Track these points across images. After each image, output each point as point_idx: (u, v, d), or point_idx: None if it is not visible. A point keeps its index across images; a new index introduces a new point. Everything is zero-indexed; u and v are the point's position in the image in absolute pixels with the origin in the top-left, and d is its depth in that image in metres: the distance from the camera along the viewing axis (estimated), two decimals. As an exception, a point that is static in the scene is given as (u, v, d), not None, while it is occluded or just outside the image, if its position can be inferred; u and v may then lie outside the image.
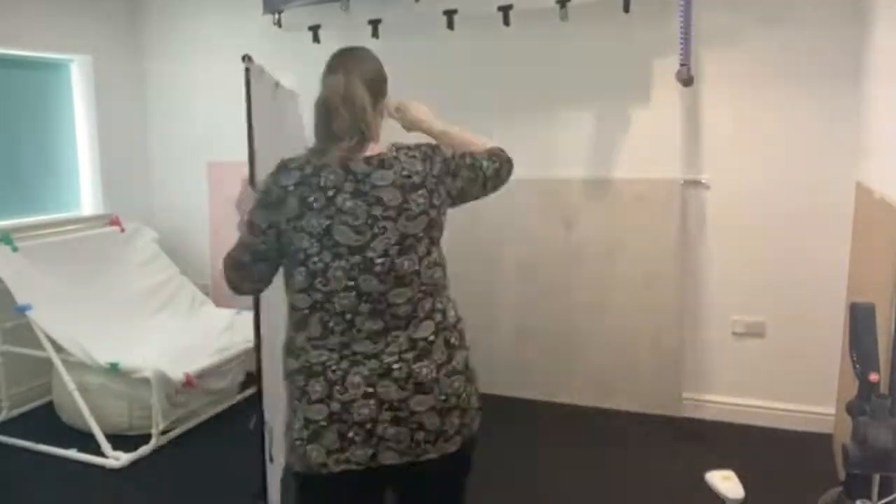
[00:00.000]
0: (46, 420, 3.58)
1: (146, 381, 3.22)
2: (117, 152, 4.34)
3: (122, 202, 4.31)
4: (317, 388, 1.55)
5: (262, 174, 1.71)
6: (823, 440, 3.15)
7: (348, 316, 1.55)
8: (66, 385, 3.28)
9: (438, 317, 1.61)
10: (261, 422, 1.90)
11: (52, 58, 4.06)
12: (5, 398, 3.65)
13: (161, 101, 4.49)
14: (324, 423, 1.55)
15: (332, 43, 4.01)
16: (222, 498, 2.83)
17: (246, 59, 2.28)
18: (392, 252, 1.55)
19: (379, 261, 1.55)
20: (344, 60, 1.64)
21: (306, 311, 1.57)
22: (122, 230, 4.11)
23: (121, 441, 3.22)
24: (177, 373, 3.30)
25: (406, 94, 1.86)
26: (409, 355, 1.57)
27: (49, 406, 3.65)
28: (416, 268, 1.58)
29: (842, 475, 2.08)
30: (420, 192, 1.59)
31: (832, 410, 3.13)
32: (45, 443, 3.29)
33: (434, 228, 1.62)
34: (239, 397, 3.73)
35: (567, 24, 3.41)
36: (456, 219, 1.75)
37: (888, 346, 2.10)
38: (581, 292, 3.61)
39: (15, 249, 3.49)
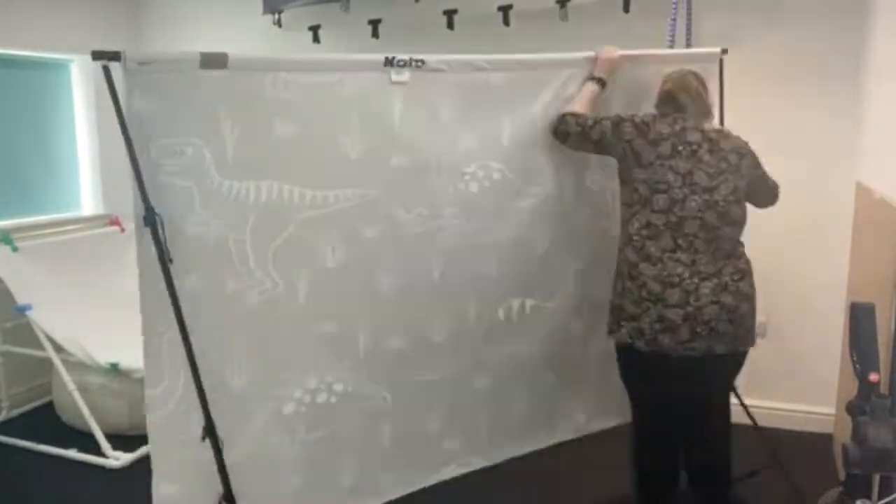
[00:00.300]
0: (46, 420, 3.58)
1: (146, 381, 3.22)
2: (117, 152, 4.27)
3: (122, 202, 4.27)
4: (675, 296, 2.16)
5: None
6: (823, 440, 3.15)
7: (691, 238, 2.18)
8: (66, 385, 3.27)
9: (745, 258, 2.28)
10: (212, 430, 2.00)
11: (52, 58, 4.06)
12: (5, 398, 3.65)
13: (161, 101, 4.49)
14: (679, 322, 2.15)
15: (331, 43, 4.03)
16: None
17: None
18: (730, 199, 2.20)
19: (721, 203, 2.19)
20: (676, 70, 2.39)
21: (661, 228, 2.20)
22: (122, 230, 4.11)
23: (121, 441, 3.21)
24: (177, 373, 3.30)
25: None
26: (737, 277, 2.21)
27: (49, 406, 3.65)
28: (739, 217, 2.24)
29: (842, 475, 2.08)
30: (745, 161, 2.28)
31: (832, 410, 3.12)
32: (45, 443, 3.29)
33: (747, 192, 2.29)
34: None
35: (567, 24, 3.41)
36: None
37: (888, 346, 2.10)
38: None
39: (15, 249, 3.48)
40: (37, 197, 4.03)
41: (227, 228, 1.99)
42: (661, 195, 2.19)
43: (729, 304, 2.17)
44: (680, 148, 2.21)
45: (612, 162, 2.39)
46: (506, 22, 3.49)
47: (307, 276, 2.13)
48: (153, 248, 1.88)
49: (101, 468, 3.10)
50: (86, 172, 4.27)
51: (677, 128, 2.24)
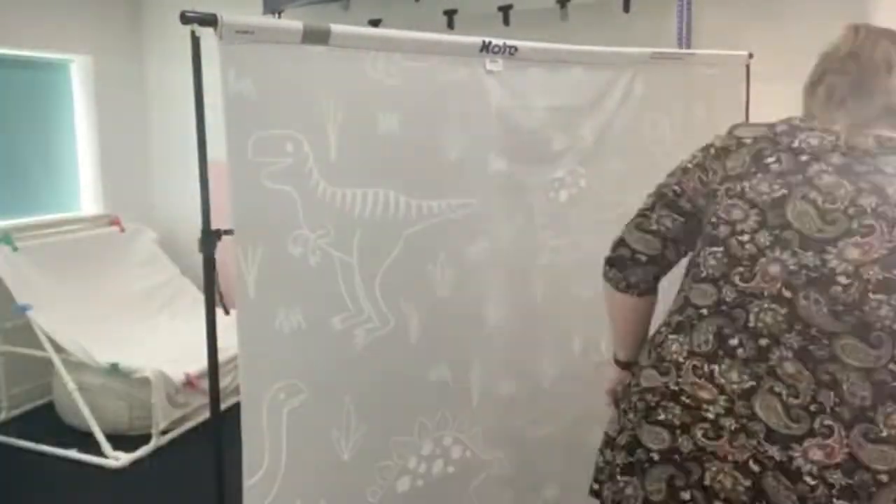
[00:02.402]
0: (46, 420, 3.57)
1: (146, 381, 3.22)
2: (117, 152, 4.34)
3: (122, 202, 4.30)
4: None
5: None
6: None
7: (763, 341, 1.13)
8: (66, 385, 3.27)
9: None
10: (219, 443, 1.77)
11: (52, 58, 4.05)
12: (5, 398, 3.64)
13: (161, 101, 4.49)
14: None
15: (332, 43, 4.02)
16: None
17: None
18: (868, 275, 1.09)
19: (843, 280, 1.11)
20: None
21: (703, 313, 1.21)
22: (122, 230, 4.10)
23: (121, 441, 3.21)
24: (177, 373, 3.30)
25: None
26: (838, 479, 1.08)
27: (49, 406, 3.64)
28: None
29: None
30: None
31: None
32: (45, 443, 3.28)
33: None
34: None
35: (567, 24, 3.41)
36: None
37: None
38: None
39: (15, 249, 3.48)
40: (37, 197, 4.03)
41: (332, 247, 1.66)
42: (715, 249, 1.21)
43: None
44: (770, 158, 1.29)
45: None
46: (506, 22, 3.49)
47: (418, 309, 1.82)
48: (260, 271, 1.54)
49: (101, 468, 3.10)
50: (86, 172, 4.26)
51: (782, 127, 1.40)
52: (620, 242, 1.41)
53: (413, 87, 1.79)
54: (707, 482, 1.12)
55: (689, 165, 1.33)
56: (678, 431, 1.15)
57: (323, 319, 1.68)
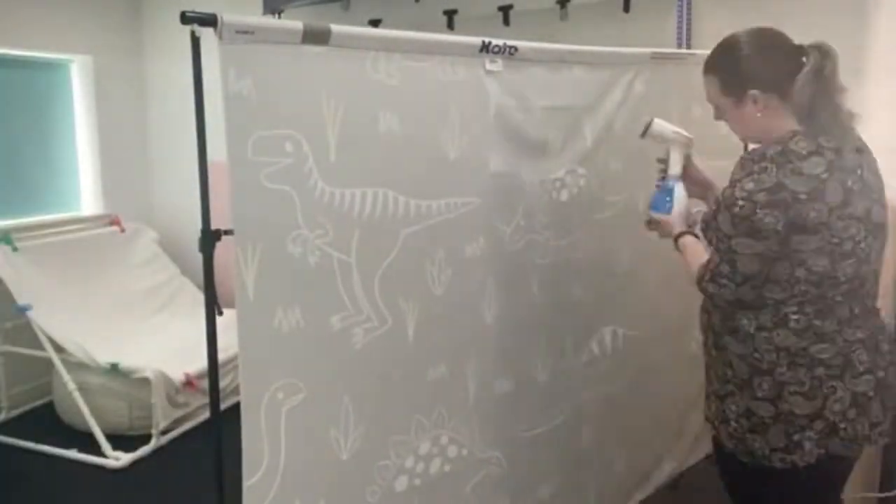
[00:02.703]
0: (46, 420, 3.57)
1: (146, 381, 3.22)
2: (117, 152, 4.34)
3: (122, 202, 4.30)
4: (862, 357, 1.58)
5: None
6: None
7: (868, 302, 1.62)
8: (66, 385, 3.27)
9: None
10: (219, 442, 1.75)
11: (52, 58, 4.06)
12: (5, 398, 3.64)
13: (161, 101, 4.49)
14: (871, 395, 1.58)
15: (332, 43, 4.02)
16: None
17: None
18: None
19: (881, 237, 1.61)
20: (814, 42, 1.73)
21: (839, 300, 1.57)
22: (122, 230, 4.11)
23: (121, 441, 3.22)
24: (177, 373, 3.30)
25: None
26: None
27: (49, 406, 3.64)
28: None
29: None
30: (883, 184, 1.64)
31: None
32: (45, 443, 3.29)
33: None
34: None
35: (567, 24, 3.41)
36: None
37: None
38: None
39: (15, 249, 3.48)
40: (37, 197, 4.03)
41: (331, 247, 1.67)
42: (848, 261, 1.54)
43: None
44: (850, 183, 1.53)
45: None
46: (506, 22, 3.49)
47: (416, 308, 1.83)
48: (259, 271, 1.55)
49: (101, 468, 3.10)
50: (86, 172, 4.26)
51: (830, 154, 1.54)
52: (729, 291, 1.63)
53: (413, 87, 1.79)
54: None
55: (783, 221, 1.52)
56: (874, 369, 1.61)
57: (322, 319, 1.68)
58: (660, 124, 1.96)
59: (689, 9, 3.06)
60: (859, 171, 1.55)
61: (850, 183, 1.52)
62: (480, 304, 2.00)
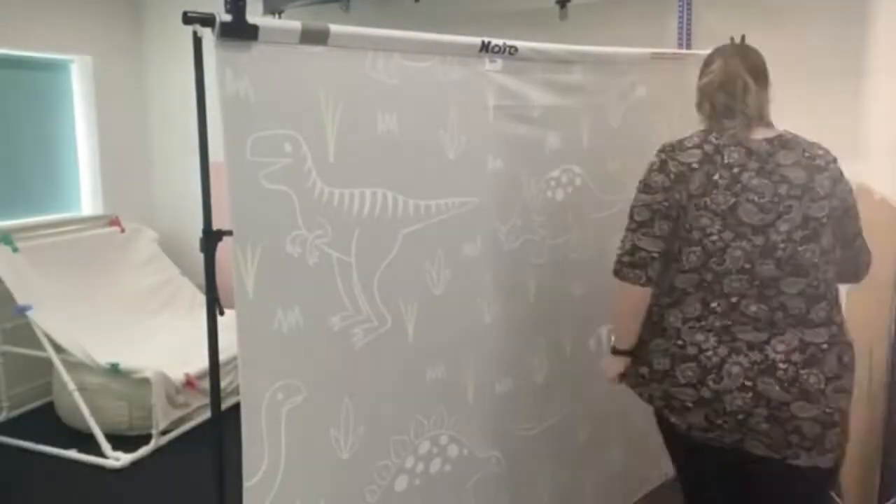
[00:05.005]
0: (46, 420, 3.57)
1: (146, 381, 3.22)
2: (117, 152, 4.34)
3: (122, 202, 4.30)
4: (688, 372, 1.63)
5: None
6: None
7: (734, 299, 1.60)
8: (66, 385, 3.27)
9: (834, 329, 1.61)
10: (219, 443, 1.77)
11: (52, 58, 4.05)
12: (5, 398, 3.64)
13: (161, 101, 4.49)
14: (689, 405, 1.64)
15: (332, 43, 4.02)
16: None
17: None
18: (796, 237, 1.57)
19: (781, 245, 1.57)
20: (722, 49, 1.79)
21: (689, 291, 1.64)
22: (122, 230, 4.11)
23: (121, 441, 3.22)
24: (177, 373, 3.30)
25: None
26: (798, 357, 1.57)
27: (49, 406, 3.64)
28: (816, 260, 1.59)
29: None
30: (825, 174, 1.62)
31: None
32: (45, 443, 3.28)
33: (835, 221, 1.63)
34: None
35: (567, 24, 3.41)
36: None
37: (890, 347, 2.10)
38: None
39: (15, 250, 3.48)
40: (37, 197, 4.03)
41: (330, 247, 1.67)
42: (693, 248, 1.62)
43: (772, 396, 1.54)
44: (716, 177, 1.62)
45: None
46: (506, 22, 3.49)
47: (415, 308, 1.84)
48: (259, 271, 1.55)
49: (101, 468, 3.10)
50: (86, 172, 4.26)
51: (709, 148, 1.65)
52: (635, 248, 1.68)
53: (413, 87, 1.79)
54: (728, 408, 1.59)
55: (668, 184, 1.66)
56: (698, 385, 1.63)
57: (321, 319, 1.68)
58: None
59: (689, 9, 3.06)
60: (737, 170, 1.62)
61: (716, 177, 1.62)
62: (479, 304, 2.01)
